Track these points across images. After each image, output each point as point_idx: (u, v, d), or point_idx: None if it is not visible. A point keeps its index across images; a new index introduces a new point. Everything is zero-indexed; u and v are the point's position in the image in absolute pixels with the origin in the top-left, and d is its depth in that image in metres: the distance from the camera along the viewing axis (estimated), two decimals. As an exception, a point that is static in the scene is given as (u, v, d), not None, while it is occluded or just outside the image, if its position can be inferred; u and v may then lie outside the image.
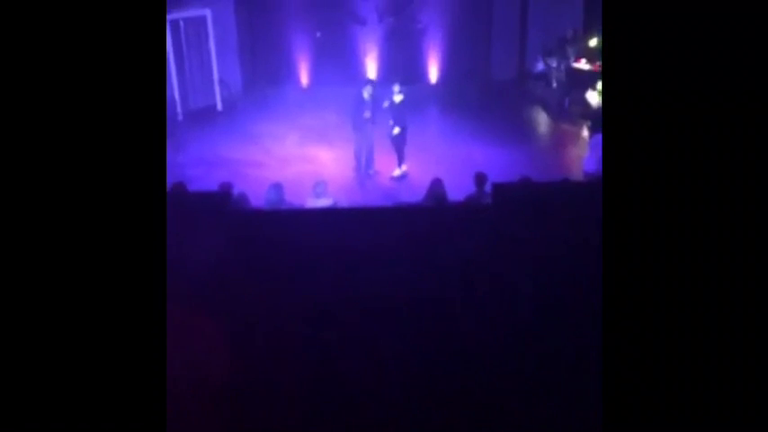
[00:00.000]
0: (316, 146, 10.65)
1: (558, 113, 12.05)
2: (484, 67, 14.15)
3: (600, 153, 7.15)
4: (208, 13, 12.52)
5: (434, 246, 4.11)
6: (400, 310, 3.91)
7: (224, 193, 5.24)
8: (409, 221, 4.36)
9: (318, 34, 13.73)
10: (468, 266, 4.01)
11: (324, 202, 6.76)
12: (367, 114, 9.15)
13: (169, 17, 11.55)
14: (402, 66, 13.40)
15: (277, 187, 6.61)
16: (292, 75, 13.96)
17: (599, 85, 11.29)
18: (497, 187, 4.47)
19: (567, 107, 12.06)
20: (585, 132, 10.89)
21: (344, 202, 7.31)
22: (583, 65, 12.16)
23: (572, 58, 12.30)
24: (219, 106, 12.90)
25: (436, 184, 6.70)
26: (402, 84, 9.38)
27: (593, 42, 12.42)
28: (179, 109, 12.18)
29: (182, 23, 12.11)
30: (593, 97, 11.45)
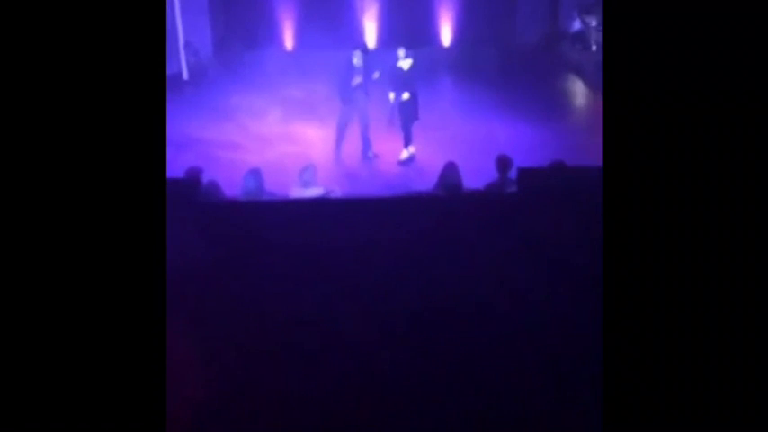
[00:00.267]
0: (302, 123, 10.67)
1: (597, 83, 12.07)
2: (507, 26, 14.15)
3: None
4: (170, -40, 12.56)
5: (446, 243, 4.14)
6: (401, 316, 4.00)
7: (192, 181, 5.27)
8: (416, 214, 4.38)
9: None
10: (488, 267, 4.06)
11: (312, 192, 6.78)
12: (357, 80, 9.17)
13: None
14: (407, 25, 13.39)
15: (255, 173, 6.63)
16: (274, 36, 13.98)
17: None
18: (524, 173, 4.49)
19: (609, 75, 12.09)
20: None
21: (338, 191, 7.34)
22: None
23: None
24: (185, 75, 12.92)
25: (449, 170, 6.72)
26: (408, 47, 9.39)
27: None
28: (135, 78, 12.20)
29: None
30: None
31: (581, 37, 13.18)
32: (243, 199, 6.32)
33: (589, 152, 9.31)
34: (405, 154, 9.45)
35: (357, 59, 9.23)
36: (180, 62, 12.87)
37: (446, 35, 14.20)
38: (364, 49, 9.51)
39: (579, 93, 12.25)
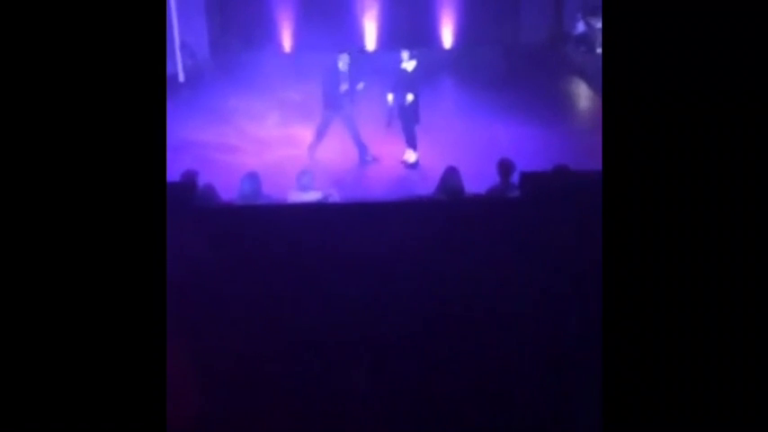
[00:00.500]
0: (301, 126, 10.66)
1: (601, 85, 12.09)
2: (510, 27, 14.17)
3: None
4: (167, -40, 12.59)
5: (447, 248, 4.14)
6: (401, 320, 4.03)
7: (188, 184, 5.27)
8: (416, 219, 4.39)
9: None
10: (489, 271, 4.08)
11: (311, 196, 6.79)
12: (344, 86, 9.23)
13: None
14: (408, 26, 13.41)
15: (253, 177, 6.64)
16: (271, 37, 14.00)
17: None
18: (527, 177, 4.49)
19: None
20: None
21: (336, 195, 7.34)
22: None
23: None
24: (181, 77, 12.94)
25: (450, 174, 6.72)
26: (409, 49, 9.41)
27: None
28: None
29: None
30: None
31: (585, 39, 13.22)
32: (240, 203, 6.33)
33: (593, 156, 9.33)
34: (412, 157, 9.44)
35: (343, 64, 9.27)
36: (176, 64, 12.89)
37: (448, 36, 14.23)
38: (361, 51, 9.55)
39: (583, 95, 12.27)
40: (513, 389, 4.07)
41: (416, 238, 4.21)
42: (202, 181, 6.25)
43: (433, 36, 14.08)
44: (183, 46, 12.91)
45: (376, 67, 9.49)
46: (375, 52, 13.66)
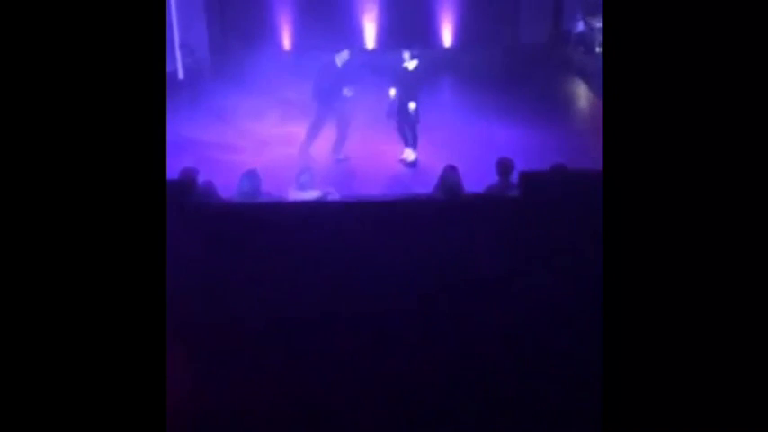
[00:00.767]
0: (300, 124, 10.62)
1: (601, 85, 12.10)
2: (510, 28, 14.18)
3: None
4: (167, -42, 12.59)
5: (446, 247, 4.15)
6: (400, 318, 4.04)
7: (187, 182, 5.28)
8: (415, 217, 4.40)
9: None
10: (488, 270, 4.09)
11: (310, 195, 6.79)
12: (348, 93, 9.25)
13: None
14: (407, 25, 13.41)
15: (252, 175, 6.64)
16: (271, 36, 14.00)
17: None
18: (525, 177, 4.50)
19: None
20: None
21: (335, 193, 7.35)
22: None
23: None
24: (181, 75, 12.94)
25: (449, 173, 6.72)
26: (408, 48, 9.42)
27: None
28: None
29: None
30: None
31: (584, 39, 13.21)
32: (239, 201, 6.33)
33: (592, 156, 9.34)
34: (412, 156, 9.45)
35: (340, 61, 9.29)
36: (176, 62, 12.89)
37: (447, 36, 14.23)
38: (361, 50, 9.55)
39: (582, 95, 12.28)
40: (513, 388, 4.08)
41: (415, 237, 4.22)
42: (202, 179, 6.26)
43: (432, 35, 14.08)
44: (183, 45, 12.90)
45: (377, 67, 9.47)
46: (376, 51, 13.66)
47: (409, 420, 3.99)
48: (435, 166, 7.21)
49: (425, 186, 7.19)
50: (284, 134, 10.45)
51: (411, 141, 9.44)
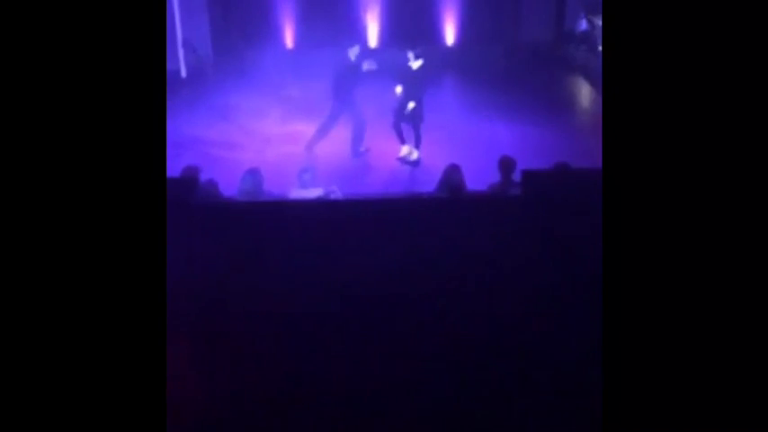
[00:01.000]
0: (302, 122, 10.65)
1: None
2: (512, 26, 14.16)
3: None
4: (169, -44, 12.59)
5: (448, 245, 4.15)
6: (402, 317, 4.04)
7: (189, 180, 5.28)
8: (418, 216, 4.39)
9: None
10: (490, 269, 4.08)
11: (312, 193, 6.78)
12: (367, 66, 9.23)
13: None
14: (410, 23, 13.40)
15: (254, 173, 6.64)
16: (274, 34, 13.99)
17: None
18: (528, 175, 4.49)
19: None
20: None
21: (338, 192, 7.34)
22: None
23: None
24: (184, 73, 12.94)
25: (452, 171, 6.72)
26: (410, 46, 9.41)
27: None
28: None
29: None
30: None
31: (587, 37, 13.19)
32: (241, 199, 6.33)
33: (594, 155, 9.33)
34: (414, 154, 9.44)
35: (353, 55, 9.28)
36: (179, 61, 12.90)
37: (449, 34, 14.21)
38: (363, 49, 9.54)
39: (585, 94, 12.26)
40: (512, 388, 4.09)
41: (418, 235, 4.21)
42: (204, 177, 6.25)
43: (434, 34, 14.07)
44: (185, 42, 12.91)
45: (381, 65, 9.45)
46: (379, 50, 13.65)
47: (409, 420, 3.99)
48: (438, 165, 7.20)
49: (428, 185, 7.19)
50: (287, 132, 10.45)
51: (414, 140, 9.43)
